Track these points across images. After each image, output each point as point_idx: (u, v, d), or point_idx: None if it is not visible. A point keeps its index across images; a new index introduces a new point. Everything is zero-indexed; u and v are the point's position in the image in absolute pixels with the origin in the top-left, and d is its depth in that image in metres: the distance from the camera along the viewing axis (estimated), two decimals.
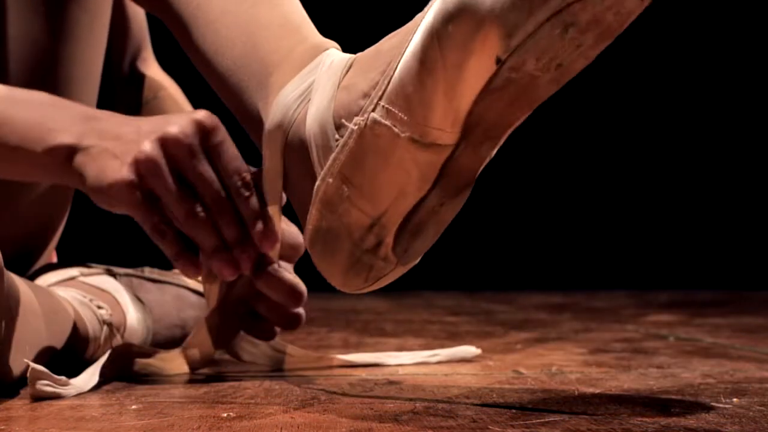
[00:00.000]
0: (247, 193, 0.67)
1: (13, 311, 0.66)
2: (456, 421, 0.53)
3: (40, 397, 0.64)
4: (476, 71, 0.54)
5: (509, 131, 0.58)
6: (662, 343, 1.01)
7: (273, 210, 0.68)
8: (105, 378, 0.71)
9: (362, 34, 0.64)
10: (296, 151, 0.63)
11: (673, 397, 0.62)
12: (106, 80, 0.96)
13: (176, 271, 0.96)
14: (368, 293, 0.64)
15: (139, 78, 1.05)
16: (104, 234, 1.72)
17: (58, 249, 1.00)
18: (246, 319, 0.78)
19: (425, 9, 0.56)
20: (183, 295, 0.94)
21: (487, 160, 0.59)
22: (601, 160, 2.78)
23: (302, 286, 0.76)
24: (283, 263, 0.77)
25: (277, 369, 0.80)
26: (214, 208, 0.67)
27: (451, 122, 0.56)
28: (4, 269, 0.63)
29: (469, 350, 0.86)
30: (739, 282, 2.45)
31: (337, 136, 0.59)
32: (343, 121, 0.59)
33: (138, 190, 0.66)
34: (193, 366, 0.77)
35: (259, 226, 0.67)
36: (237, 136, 0.70)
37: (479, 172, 0.60)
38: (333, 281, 0.63)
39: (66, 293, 0.81)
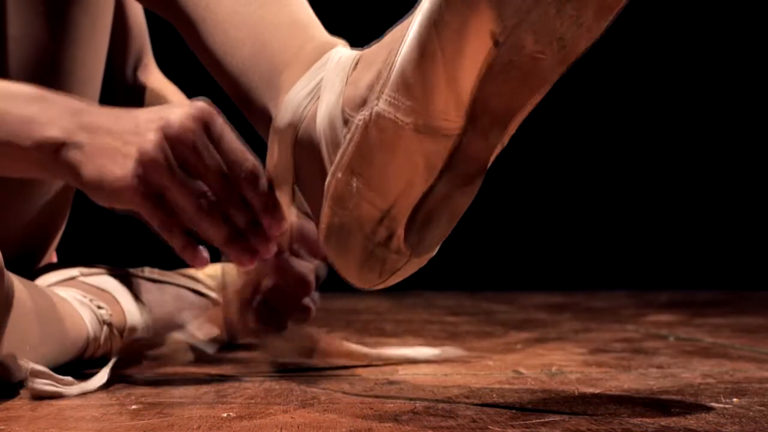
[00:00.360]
0: (254, 179, 0.67)
1: (13, 311, 0.66)
2: (456, 421, 0.53)
3: (40, 396, 0.64)
4: (474, 54, 0.54)
5: (519, 117, 0.57)
6: (662, 343, 1.01)
7: (284, 204, 0.68)
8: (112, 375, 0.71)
9: (369, 33, 0.64)
10: (307, 148, 0.63)
11: (673, 397, 0.62)
12: (107, 87, 0.96)
13: (176, 270, 0.96)
14: (368, 293, 0.64)
15: (141, 85, 1.05)
16: (104, 234, 1.72)
17: (58, 249, 1.00)
18: (260, 308, 0.79)
19: None
20: (183, 295, 0.94)
21: (499, 147, 0.59)
22: (601, 161, 2.78)
23: (310, 276, 0.76)
24: (313, 260, 0.78)
25: (304, 364, 0.80)
26: (222, 198, 0.67)
27: (455, 108, 0.56)
28: (5, 269, 0.63)
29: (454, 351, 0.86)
30: (739, 282, 2.45)
31: (345, 131, 0.59)
32: (350, 115, 0.59)
33: (143, 186, 0.66)
34: (197, 346, 0.77)
35: (269, 210, 0.67)
36: (239, 129, 0.70)
37: (491, 160, 0.59)
38: (349, 277, 0.63)
39: (66, 293, 0.81)
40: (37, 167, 0.71)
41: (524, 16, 0.52)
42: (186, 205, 0.67)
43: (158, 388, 0.68)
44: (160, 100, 1.04)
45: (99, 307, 0.82)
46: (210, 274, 0.99)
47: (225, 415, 0.56)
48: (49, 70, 0.84)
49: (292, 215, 0.71)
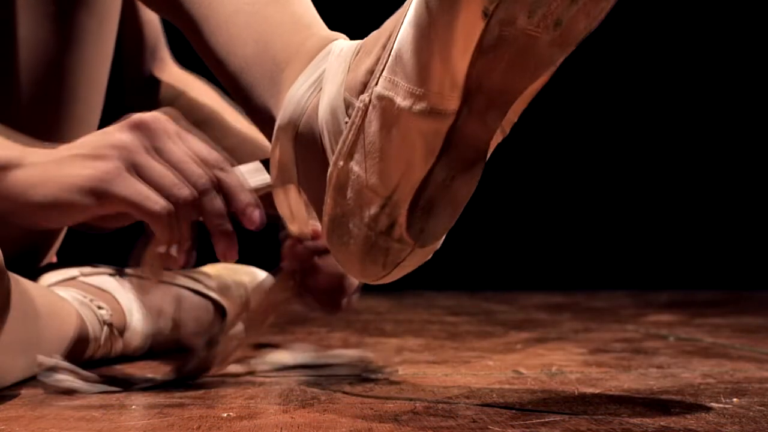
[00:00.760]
0: (222, 163, 0.67)
1: (13, 311, 0.66)
2: (456, 421, 0.53)
3: (57, 390, 0.66)
4: (466, 28, 0.53)
5: (519, 103, 0.57)
6: (662, 343, 1.01)
7: (291, 203, 0.68)
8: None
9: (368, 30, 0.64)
10: (308, 143, 0.62)
11: (673, 397, 0.62)
12: (119, 85, 0.96)
13: (176, 271, 0.96)
14: (368, 292, 0.64)
15: (156, 80, 1.05)
16: (104, 234, 1.72)
17: (58, 249, 1.00)
18: (296, 288, 0.79)
19: None
20: (183, 295, 0.94)
21: (499, 134, 0.58)
22: (601, 161, 2.78)
23: (354, 280, 0.77)
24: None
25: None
26: (199, 188, 0.66)
27: (450, 86, 0.55)
28: (5, 269, 0.63)
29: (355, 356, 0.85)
30: (739, 282, 2.45)
31: (346, 119, 0.59)
32: (352, 100, 0.59)
33: (123, 163, 0.65)
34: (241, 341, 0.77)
35: (246, 196, 0.67)
36: None
37: (491, 146, 0.58)
38: (352, 271, 0.62)
39: (66, 293, 0.81)
40: None
41: None
42: (164, 178, 0.65)
43: (158, 388, 0.68)
44: (177, 93, 1.04)
45: (99, 307, 0.83)
46: (210, 273, 0.99)
47: (225, 415, 0.56)
48: (55, 72, 0.84)
49: (311, 214, 0.70)
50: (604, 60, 2.64)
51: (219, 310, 0.97)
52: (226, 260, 0.68)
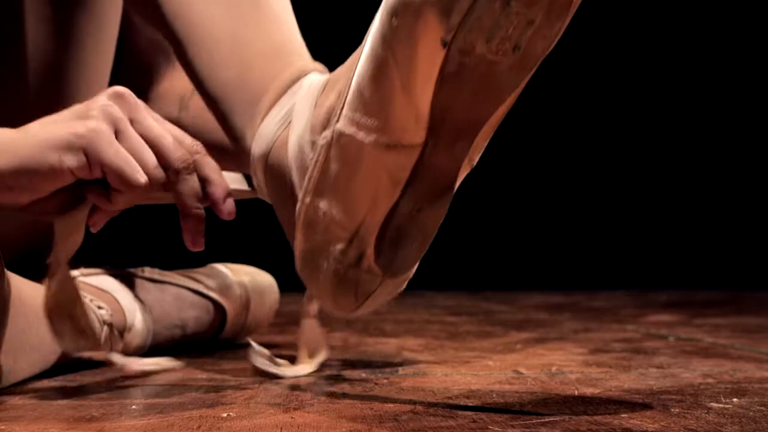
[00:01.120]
0: (205, 153, 0.65)
1: (12, 311, 0.66)
2: (456, 421, 0.53)
3: (261, 375, 0.71)
4: (426, 59, 0.53)
5: (486, 130, 0.57)
6: (662, 343, 1.01)
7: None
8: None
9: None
10: (278, 177, 0.63)
11: (673, 397, 0.62)
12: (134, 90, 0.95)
13: (176, 270, 0.96)
14: None
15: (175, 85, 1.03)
16: (104, 234, 1.72)
17: None
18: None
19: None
20: (183, 295, 0.94)
21: (467, 163, 0.58)
22: (601, 160, 2.78)
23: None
24: None
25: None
26: (178, 166, 0.63)
27: (414, 119, 0.55)
28: (5, 269, 0.63)
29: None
30: (739, 282, 2.45)
31: (310, 155, 0.59)
32: (315, 138, 0.59)
33: (105, 120, 0.61)
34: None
35: (223, 182, 0.65)
36: None
37: (459, 176, 0.58)
38: (325, 304, 0.63)
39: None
40: None
41: (470, 16, 0.51)
42: (144, 150, 0.62)
43: (158, 388, 0.68)
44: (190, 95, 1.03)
45: (99, 307, 0.83)
46: (210, 274, 0.99)
47: (225, 415, 0.56)
48: (54, 75, 0.83)
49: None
50: (603, 60, 2.64)
51: (219, 310, 0.97)
52: (193, 247, 0.64)
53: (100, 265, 0.90)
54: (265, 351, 0.72)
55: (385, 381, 0.71)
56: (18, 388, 0.68)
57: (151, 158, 0.62)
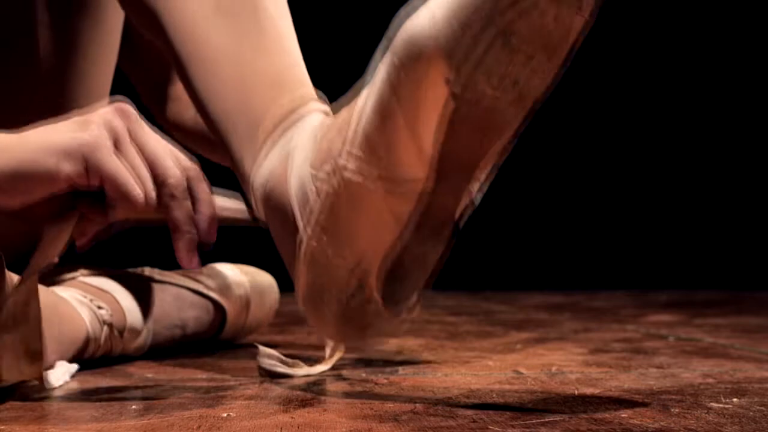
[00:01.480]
0: (201, 176, 0.66)
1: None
2: (456, 421, 0.53)
3: (270, 375, 0.72)
4: (431, 100, 0.54)
5: (485, 166, 0.57)
6: (662, 343, 1.01)
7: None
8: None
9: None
10: (278, 209, 0.63)
11: (673, 397, 0.62)
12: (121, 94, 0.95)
13: (176, 271, 0.96)
14: None
15: (176, 96, 1.02)
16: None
17: None
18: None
19: (377, 57, 0.57)
20: (183, 295, 0.94)
21: (466, 199, 0.58)
22: (601, 160, 2.77)
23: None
24: None
25: None
26: (174, 188, 0.63)
27: (419, 161, 0.56)
28: (5, 269, 0.63)
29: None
30: (739, 282, 2.45)
31: (314, 191, 0.60)
32: (317, 174, 0.59)
33: (108, 149, 0.60)
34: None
35: (211, 210, 0.65)
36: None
37: (460, 211, 0.59)
38: (329, 336, 0.64)
39: (66, 293, 0.81)
40: None
41: (473, 56, 0.52)
42: (142, 168, 0.62)
43: (158, 388, 0.68)
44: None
45: (99, 307, 0.83)
46: (210, 274, 0.99)
47: (225, 415, 0.56)
48: (55, 80, 0.83)
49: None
50: (602, 60, 2.64)
51: (219, 310, 0.97)
52: (188, 265, 0.64)
53: (100, 266, 0.90)
54: (273, 352, 0.73)
55: (385, 381, 0.71)
56: (18, 388, 0.68)
57: (146, 175, 0.62)
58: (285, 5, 0.71)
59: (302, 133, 0.63)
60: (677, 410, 0.56)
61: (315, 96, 0.66)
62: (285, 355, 0.74)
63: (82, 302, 0.81)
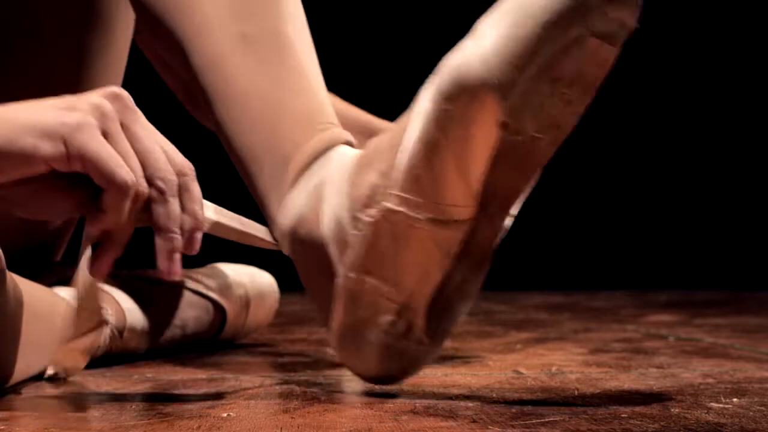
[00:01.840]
0: (193, 177, 0.60)
1: (15, 312, 0.66)
2: (456, 421, 0.53)
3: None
4: (482, 139, 0.56)
5: (520, 200, 0.60)
6: (662, 343, 1.01)
7: None
8: None
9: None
10: (309, 247, 0.63)
11: (673, 397, 0.62)
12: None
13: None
14: None
15: None
16: None
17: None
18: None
19: (418, 95, 0.58)
20: (183, 295, 0.94)
21: (503, 231, 0.61)
22: (601, 160, 2.77)
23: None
24: None
25: None
26: (163, 185, 0.57)
27: (465, 196, 0.58)
28: (6, 270, 0.63)
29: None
30: (739, 282, 2.45)
31: (353, 231, 0.60)
32: (358, 214, 0.60)
33: (93, 131, 0.54)
34: None
35: (200, 216, 0.59)
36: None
37: (497, 244, 0.61)
38: (367, 374, 0.63)
39: (66, 293, 0.81)
40: None
41: (524, 96, 0.54)
42: (131, 157, 0.56)
43: (158, 388, 0.68)
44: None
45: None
46: (210, 274, 0.99)
47: (225, 415, 0.56)
48: (61, 91, 0.83)
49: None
50: None
51: (219, 310, 0.97)
52: (169, 275, 0.57)
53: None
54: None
55: None
56: (16, 388, 0.68)
57: (136, 165, 0.56)
58: (308, 35, 0.70)
59: (334, 171, 0.63)
60: (677, 410, 0.56)
61: (344, 134, 0.66)
62: (284, 355, 0.74)
63: None
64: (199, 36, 0.68)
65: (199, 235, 0.58)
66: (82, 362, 0.70)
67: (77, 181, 0.56)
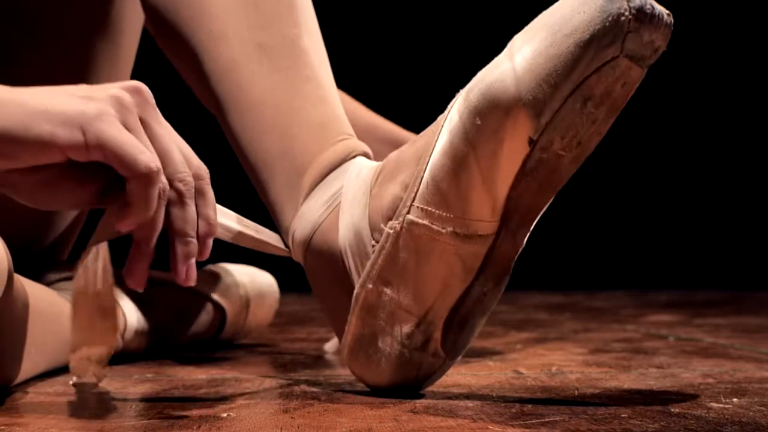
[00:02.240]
0: (208, 181, 0.58)
1: (20, 313, 0.67)
2: (456, 421, 0.53)
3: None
4: (511, 156, 0.56)
5: (539, 216, 0.60)
6: (662, 343, 1.01)
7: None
8: None
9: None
10: (324, 257, 0.63)
11: (673, 397, 0.62)
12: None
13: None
14: None
15: None
16: None
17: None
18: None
19: (447, 109, 0.59)
20: (184, 295, 0.94)
21: (522, 246, 0.61)
22: (600, 160, 2.78)
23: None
24: None
25: None
26: (181, 186, 0.55)
27: (491, 211, 0.58)
28: (13, 272, 0.63)
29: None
30: (739, 282, 2.45)
31: (373, 243, 0.60)
32: (380, 226, 0.60)
33: (112, 119, 0.52)
34: None
35: (214, 219, 0.58)
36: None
37: (515, 259, 0.61)
38: (379, 382, 0.63)
39: (66, 293, 0.81)
40: None
41: (556, 115, 0.55)
42: (161, 133, 0.55)
43: (158, 388, 0.68)
44: None
45: None
46: (210, 274, 0.99)
47: (225, 415, 0.56)
48: None
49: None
50: None
51: (219, 310, 0.97)
52: (186, 281, 0.56)
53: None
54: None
55: None
56: (18, 388, 0.68)
57: (158, 161, 0.53)
58: (322, 45, 0.70)
59: (352, 182, 0.63)
60: (677, 410, 0.56)
61: (360, 145, 0.66)
62: (284, 355, 0.74)
63: None
64: (215, 44, 0.68)
65: (210, 241, 0.57)
66: (105, 366, 0.68)
67: (91, 172, 0.53)
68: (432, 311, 0.60)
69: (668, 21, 0.56)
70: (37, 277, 0.85)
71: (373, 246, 0.60)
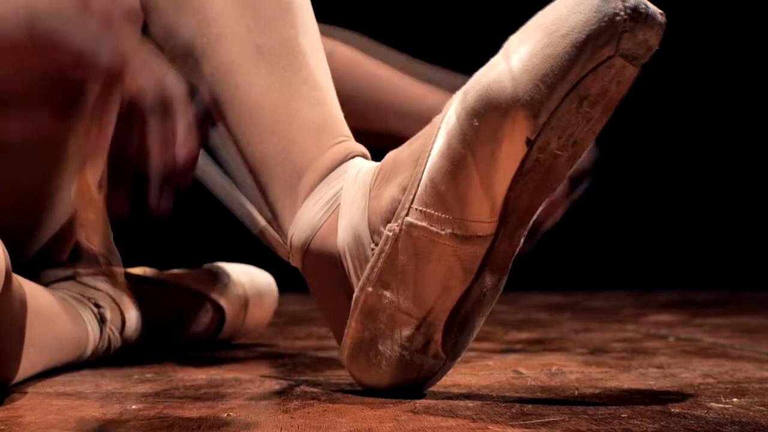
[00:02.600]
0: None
1: (19, 313, 0.67)
2: (456, 421, 0.53)
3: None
4: (509, 157, 0.57)
5: (536, 215, 0.60)
6: (662, 343, 1.01)
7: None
8: None
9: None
10: (323, 260, 0.63)
11: (673, 397, 0.62)
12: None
13: (174, 271, 0.96)
14: None
15: None
16: None
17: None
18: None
19: (443, 111, 0.59)
20: (181, 294, 0.94)
21: (520, 246, 0.61)
22: (600, 160, 2.78)
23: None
24: None
25: None
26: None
27: (489, 212, 0.58)
28: (12, 272, 0.63)
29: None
30: (739, 282, 2.45)
31: (372, 245, 0.60)
32: (379, 228, 0.60)
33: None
34: None
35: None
36: None
37: (513, 258, 0.62)
38: (379, 384, 0.63)
39: (64, 292, 0.81)
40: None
41: (553, 115, 0.55)
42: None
43: (158, 388, 0.68)
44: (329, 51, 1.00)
45: (98, 306, 0.83)
46: (209, 273, 0.99)
47: (225, 415, 0.56)
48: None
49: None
50: None
51: (218, 310, 0.97)
52: (160, 207, 0.62)
53: (99, 265, 0.90)
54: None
55: None
56: (18, 387, 0.68)
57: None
58: (321, 48, 0.70)
59: (350, 184, 0.63)
60: (677, 410, 0.56)
61: (358, 147, 0.66)
62: (284, 355, 0.74)
63: (80, 301, 0.81)
64: (213, 45, 0.68)
65: (193, 161, 0.63)
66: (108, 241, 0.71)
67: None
68: (432, 313, 0.60)
69: (661, 20, 0.56)
70: (35, 277, 0.85)
71: (373, 249, 0.60)
